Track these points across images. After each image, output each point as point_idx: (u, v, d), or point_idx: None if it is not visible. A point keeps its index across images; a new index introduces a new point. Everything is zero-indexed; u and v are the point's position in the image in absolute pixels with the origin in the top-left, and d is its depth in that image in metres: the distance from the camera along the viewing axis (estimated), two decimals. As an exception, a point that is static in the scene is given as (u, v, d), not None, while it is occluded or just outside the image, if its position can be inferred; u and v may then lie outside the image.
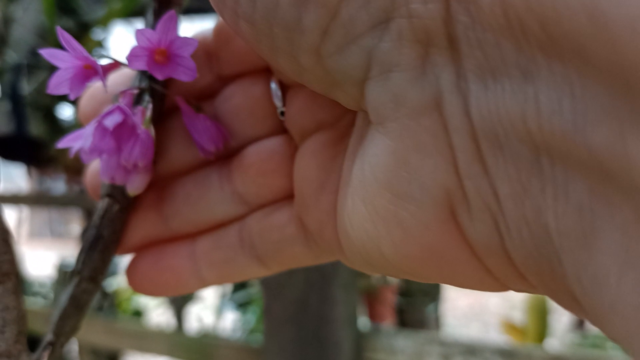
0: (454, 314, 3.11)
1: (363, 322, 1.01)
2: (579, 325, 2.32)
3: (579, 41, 0.11)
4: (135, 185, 0.20)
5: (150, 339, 1.21)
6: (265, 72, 0.21)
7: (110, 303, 1.66)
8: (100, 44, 1.57)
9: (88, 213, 1.70)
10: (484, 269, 0.15)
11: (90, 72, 0.19)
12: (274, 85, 0.20)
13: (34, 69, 1.54)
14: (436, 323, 1.85)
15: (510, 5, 0.12)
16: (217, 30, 0.21)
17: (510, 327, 1.72)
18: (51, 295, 1.88)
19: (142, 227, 0.21)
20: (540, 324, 1.65)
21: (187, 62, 0.19)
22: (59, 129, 1.61)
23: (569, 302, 0.13)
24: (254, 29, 0.15)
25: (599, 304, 0.12)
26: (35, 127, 1.60)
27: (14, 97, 1.55)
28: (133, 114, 0.19)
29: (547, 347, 1.57)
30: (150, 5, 0.21)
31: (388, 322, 1.77)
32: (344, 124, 0.19)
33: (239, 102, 0.21)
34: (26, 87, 1.56)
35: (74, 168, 1.69)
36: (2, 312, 0.16)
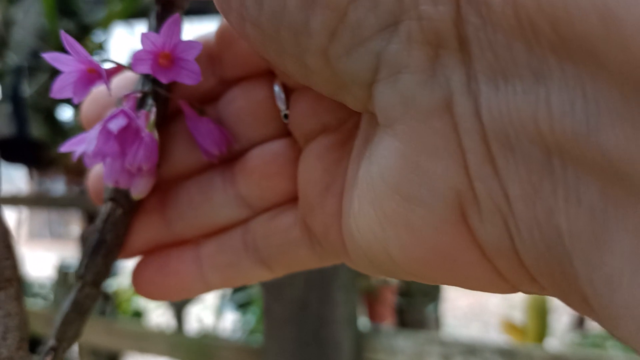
0: (454, 314, 3.11)
1: (363, 322, 1.02)
2: (579, 324, 2.33)
3: (590, 42, 0.11)
4: (139, 189, 0.20)
5: (150, 340, 1.21)
6: (269, 74, 0.21)
7: (112, 307, 1.66)
8: (100, 46, 1.57)
9: (88, 214, 1.70)
10: (494, 271, 0.15)
11: (94, 75, 0.19)
12: (277, 88, 0.20)
13: (34, 71, 1.54)
14: (436, 323, 1.85)
15: (522, 6, 0.12)
16: (220, 33, 0.21)
17: (510, 327, 1.72)
18: (51, 296, 1.88)
19: (145, 231, 0.21)
20: (540, 324, 1.65)
21: (191, 66, 0.19)
22: (60, 131, 1.61)
23: (580, 303, 0.13)
24: (260, 31, 0.15)
25: (611, 306, 0.12)
26: (36, 129, 1.60)
27: (15, 99, 1.55)
28: (137, 118, 0.19)
29: (547, 347, 1.57)
30: (153, 8, 0.21)
31: (388, 323, 1.77)
32: (348, 126, 0.19)
33: (242, 105, 0.21)
34: (27, 89, 1.55)
35: (75, 170, 1.69)
36: (4, 318, 0.16)
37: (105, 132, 0.19)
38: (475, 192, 0.14)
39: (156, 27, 0.20)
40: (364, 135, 0.17)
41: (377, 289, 1.74)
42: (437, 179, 0.14)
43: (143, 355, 1.32)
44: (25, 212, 3.55)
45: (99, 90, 0.21)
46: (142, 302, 1.97)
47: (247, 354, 1.05)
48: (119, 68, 0.20)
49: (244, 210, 0.21)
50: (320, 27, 0.14)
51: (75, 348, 1.53)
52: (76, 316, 0.20)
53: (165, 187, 0.22)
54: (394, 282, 1.71)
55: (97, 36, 1.61)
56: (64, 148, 0.21)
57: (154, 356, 1.27)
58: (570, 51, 0.11)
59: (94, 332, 1.23)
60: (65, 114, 1.68)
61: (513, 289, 0.15)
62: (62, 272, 1.64)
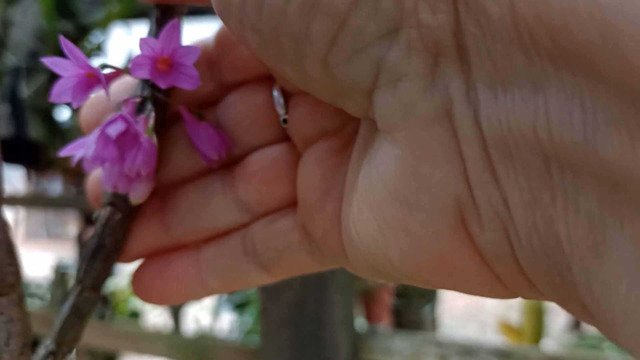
0: (451, 314, 3.11)
1: (360, 323, 1.02)
2: (576, 325, 2.33)
3: (588, 52, 0.11)
4: (138, 194, 0.20)
5: (147, 340, 1.21)
6: (268, 79, 0.21)
7: (111, 310, 1.66)
8: (99, 47, 1.57)
9: (85, 214, 1.70)
10: (493, 277, 0.15)
11: (93, 80, 0.19)
12: (276, 93, 0.20)
13: (33, 71, 1.53)
14: (433, 324, 1.85)
15: (520, 16, 0.12)
16: (219, 38, 0.21)
17: (507, 328, 1.72)
18: (48, 296, 1.88)
19: (144, 235, 0.21)
20: (537, 325, 1.66)
21: (190, 71, 0.19)
22: (58, 131, 1.61)
23: (578, 309, 0.13)
24: (260, 38, 0.15)
25: (610, 313, 0.12)
26: (34, 130, 1.60)
27: (13, 100, 1.55)
28: (136, 123, 0.19)
29: (544, 348, 1.58)
30: (152, 13, 0.21)
31: (385, 324, 1.77)
32: (347, 131, 0.19)
33: (241, 109, 0.21)
34: (25, 90, 1.55)
35: (72, 171, 1.68)
36: (7, 324, 0.16)
37: (104, 137, 0.19)
38: (475, 199, 0.14)
39: (155, 32, 0.20)
40: (363, 140, 0.17)
41: (374, 290, 1.74)
42: (436, 186, 0.14)
43: (140, 355, 1.32)
44: (22, 212, 3.55)
45: (97, 95, 0.21)
46: (139, 303, 1.97)
47: (244, 355, 1.05)
48: (118, 73, 0.20)
49: (244, 214, 0.21)
50: (321, 34, 0.14)
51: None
52: (75, 320, 0.20)
53: (164, 191, 0.22)
54: (391, 283, 1.71)
55: (96, 37, 1.61)
56: (64, 152, 0.21)
57: (151, 357, 1.27)
58: (569, 61, 0.11)
59: (91, 333, 1.23)
60: (63, 115, 1.68)
61: (512, 295, 0.15)
62: (59, 272, 1.64)
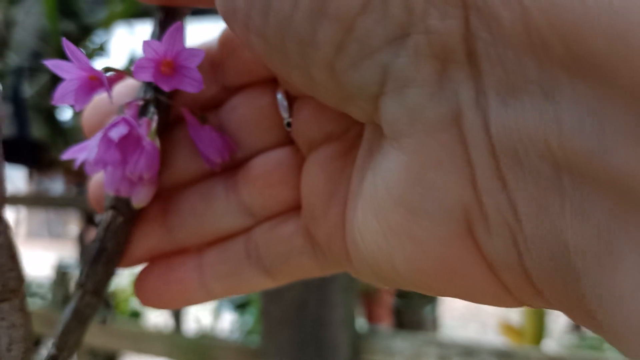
0: (451, 315, 3.11)
1: (361, 323, 1.02)
2: (577, 326, 2.33)
3: (603, 60, 0.11)
4: (140, 198, 0.20)
5: (148, 340, 1.21)
6: (271, 82, 0.21)
7: (112, 314, 1.67)
8: (101, 47, 1.57)
9: (86, 214, 1.70)
10: (499, 285, 0.15)
11: (96, 83, 0.19)
12: (280, 96, 0.20)
13: (35, 71, 1.53)
14: (433, 324, 1.85)
15: (532, 22, 0.12)
16: (222, 40, 0.21)
17: (508, 328, 1.72)
18: (49, 296, 1.88)
19: (146, 239, 0.21)
20: (538, 325, 1.65)
21: (194, 74, 0.19)
22: (60, 131, 1.61)
23: (585, 318, 0.13)
24: (266, 43, 0.15)
25: (618, 323, 0.12)
26: (37, 130, 1.60)
27: (16, 99, 1.55)
28: (138, 126, 0.19)
29: (545, 349, 1.57)
30: (156, 15, 0.21)
31: (385, 324, 1.77)
32: (351, 135, 0.19)
33: (244, 112, 0.21)
34: (27, 90, 1.55)
35: (74, 171, 1.68)
36: (9, 329, 0.16)
37: (107, 140, 0.19)
38: (483, 207, 0.14)
39: (158, 35, 0.20)
40: (368, 145, 0.17)
41: (374, 290, 1.74)
42: (443, 193, 0.14)
43: (141, 355, 1.32)
44: (23, 211, 3.55)
45: (100, 97, 0.21)
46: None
47: (244, 355, 1.05)
48: (121, 75, 0.20)
49: (247, 218, 0.21)
50: (327, 39, 0.14)
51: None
52: (77, 325, 0.20)
53: (166, 195, 0.21)
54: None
55: (98, 37, 1.61)
56: (66, 155, 0.20)
57: (152, 357, 1.27)
58: (582, 68, 0.11)
59: (92, 333, 1.23)
60: (65, 115, 1.68)
61: (518, 303, 0.15)
62: (60, 272, 1.64)
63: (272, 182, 0.20)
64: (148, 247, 0.21)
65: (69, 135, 1.60)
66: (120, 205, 0.20)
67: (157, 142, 0.20)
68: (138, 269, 0.22)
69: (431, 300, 1.81)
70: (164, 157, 0.21)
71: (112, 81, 0.20)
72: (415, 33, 0.13)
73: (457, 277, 0.15)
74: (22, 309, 0.16)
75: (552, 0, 0.11)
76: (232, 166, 0.21)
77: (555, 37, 0.11)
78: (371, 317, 1.77)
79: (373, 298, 1.76)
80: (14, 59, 1.55)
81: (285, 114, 0.20)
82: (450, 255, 0.15)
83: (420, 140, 0.14)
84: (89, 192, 0.22)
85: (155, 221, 0.21)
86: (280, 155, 0.20)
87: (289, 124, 0.20)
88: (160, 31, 0.20)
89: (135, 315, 1.95)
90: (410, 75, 0.14)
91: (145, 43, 0.18)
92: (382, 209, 0.15)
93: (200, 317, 1.97)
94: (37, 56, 1.52)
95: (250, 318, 1.66)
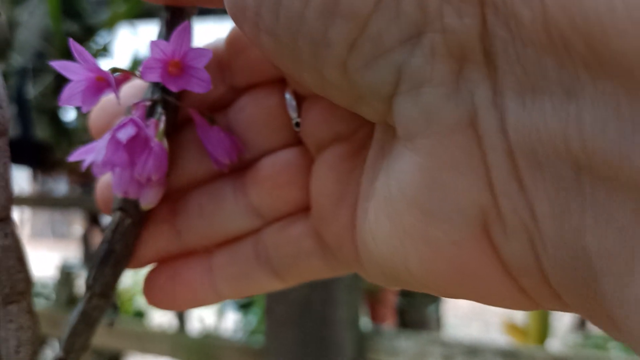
0: (455, 314, 3.11)
1: (365, 323, 1.01)
2: (581, 325, 2.32)
3: (628, 60, 0.10)
4: (148, 199, 0.20)
5: (152, 340, 1.21)
6: (280, 82, 0.21)
7: (119, 316, 1.67)
8: (105, 48, 1.57)
9: (90, 214, 1.70)
10: (517, 288, 0.14)
11: (103, 84, 0.19)
12: (288, 96, 0.20)
13: (39, 72, 1.53)
14: (437, 323, 1.85)
15: (553, 20, 0.11)
16: (230, 40, 0.21)
17: (512, 328, 1.72)
18: (53, 296, 1.88)
19: (155, 241, 0.21)
20: (542, 325, 1.65)
21: (201, 74, 0.19)
22: (64, 132, 1.61)
23: (605, 322, 0.13)
24: (276, 42, 0.15)
25: (638, 327, 0.12)
26: (41, 131, 1.60)
27: (20, 100, 1.55)
28: (146, 127, 0.19)
29: (549, 348, 1.57)
30: (162, 15, 0.20)
31: (389, 323, 1.77)
32: (361, 135, 0.19)
33: (253, 113, 0.21)
34: (31, 91, 1.55)
35: (78, 171, 1.68)
36: (17, 331, 0.16)
37: (114, 142, 0.19)
38: (500, 209, 0.13)
39: (165, 35, 0.20)
40: (379, 145, 0.17)
41: (378, 289, 1.73)
42: (459, 195, 0.14)
43: (145, 355, 1.32)
44: (28, 211, 3.56)
45: (107, 98, 0.21)
46: (144, 302, 1.97)
47: (248, 355, 1.05)
48: (128, 76, 0.20)
49: (256, 220, 0.21)
50: (340, 38, 0.14)
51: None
52: (84, 327, 0.20)
53: (175, 196, 0.21)
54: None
55: (102, 37, 1.61)
56: (73, 157, 0.20)
57: (156, 356, 1.27)
58: (605, 68, 0.11)
59: (96, 332, 1.23)
60: (69, 115, 1.68)
61: (535, 306, 0.15)
62: (65, 272, 1.64)
63: (281, 183, 0.20)
64: (156, 249, 0.21)
65: (73, 136, 1.60)
66: (129, 206, 0.20)
67: (165, 143, 0.20)
68: (144, 269, 0.22)
69: (435, 300, 1.81)
70: (172, 158, 0.21)
71: (119, 82, 0.20)
72: (431, 32, 0.13)
73: (472, 280, 0.15)
74: (30, 311, 0.16)
75: None
76: (241, 167, 0.21)
77: (576, 35, 0.11)
78: (375, 317, 1.76)
79: (377, 297, 1.76)
80: (17, 59, 1.55)
81: (293, 114, 0.20)
82: (465, 257, 0.14)
83: (436, 141, 0.14)
84: (96, 194, 0.22)
85: (164, 223, 0.21)
86: (288, 155, 0.20)
87: (297, 124, 0.20)
88: (167, 31, 0.20)
89: (139, 315, 1.95)
90: (425, 75, 0.13)
91: (153, 43, 0.18)
92: (396, 210, 0.15)
93: (204, 316, 1.97)
94: (40, 57, 1.52)
95: (254, 318, 1.66)
